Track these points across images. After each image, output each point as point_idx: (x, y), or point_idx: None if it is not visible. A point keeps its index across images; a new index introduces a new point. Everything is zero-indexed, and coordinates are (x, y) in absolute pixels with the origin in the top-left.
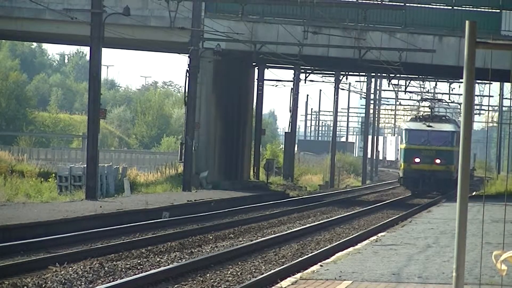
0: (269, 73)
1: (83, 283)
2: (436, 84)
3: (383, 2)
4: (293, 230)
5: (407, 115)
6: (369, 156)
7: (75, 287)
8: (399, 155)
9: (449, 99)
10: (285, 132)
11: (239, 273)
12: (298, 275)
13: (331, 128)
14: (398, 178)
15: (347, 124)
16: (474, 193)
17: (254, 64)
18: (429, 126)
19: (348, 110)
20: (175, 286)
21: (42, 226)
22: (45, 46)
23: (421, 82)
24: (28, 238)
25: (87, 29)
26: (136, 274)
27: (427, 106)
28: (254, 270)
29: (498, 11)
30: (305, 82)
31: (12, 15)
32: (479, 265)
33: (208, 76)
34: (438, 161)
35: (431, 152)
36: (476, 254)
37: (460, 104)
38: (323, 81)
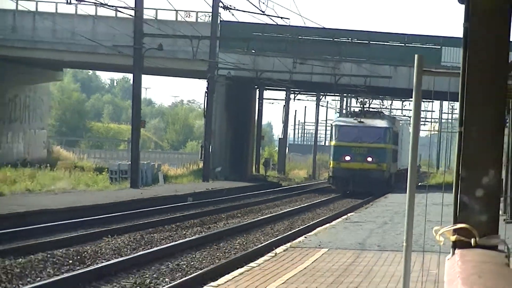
0: (267, 93)
1: (128, 250)
2: (392, 102)
3: (353, 41)
4: (284, 210)
5: None
6: None
7: (123, 252)
8: (329, 153)
9: (401, 114)
10: (279, 138)
11: (244, 243)
12: (288, 244)
13: (314, 135)
14: (328, 178)
15: (325, 132)
16: (419, 184)
17: (255, 86)
18: (360, 121)
19: (326, 122)
20: (197, 252)
21: (99, 207)
22: (99, 73)
23: (381, 101)
24: (88, 216)
25: (130, 60)
26: (168, 243)
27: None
28: (255, 240)
29: (439, 47)
30: (294, 101)
31: (74, 50)
32: (423, 237)
33: (221, 96)
34: (370, 159)
35: (363, 150)
36: (421, 229)
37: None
38: (307, 100)
